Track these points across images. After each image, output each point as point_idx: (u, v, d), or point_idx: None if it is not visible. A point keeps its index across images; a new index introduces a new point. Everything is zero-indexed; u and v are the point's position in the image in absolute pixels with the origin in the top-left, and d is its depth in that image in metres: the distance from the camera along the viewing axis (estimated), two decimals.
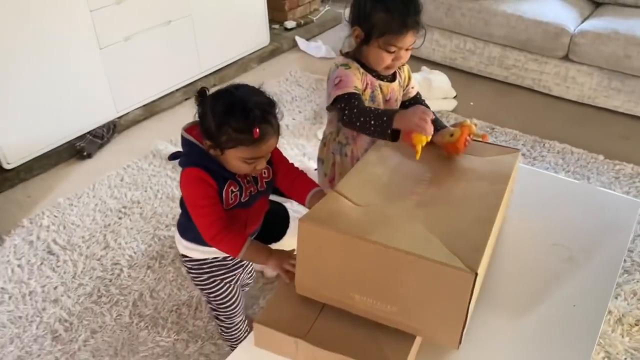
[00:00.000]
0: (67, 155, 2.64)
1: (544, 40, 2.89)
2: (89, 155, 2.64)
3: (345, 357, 1.01)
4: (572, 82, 2.92)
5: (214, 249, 1.28)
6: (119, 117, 2.83)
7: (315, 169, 1.86)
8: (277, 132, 1.20)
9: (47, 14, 2.37)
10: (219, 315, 1.54)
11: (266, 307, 1.13)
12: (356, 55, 1.47)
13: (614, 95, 2.82)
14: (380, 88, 1.49)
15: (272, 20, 3.63)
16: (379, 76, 1.49)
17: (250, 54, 3.47)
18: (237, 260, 1.44)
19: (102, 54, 2.63)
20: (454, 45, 3.26)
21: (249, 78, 3.36)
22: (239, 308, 1.54)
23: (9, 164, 2.45)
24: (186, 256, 1.42)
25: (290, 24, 3.79)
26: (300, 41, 3.70)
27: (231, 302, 1.51)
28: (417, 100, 1.62)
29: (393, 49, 1.40)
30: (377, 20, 1.37)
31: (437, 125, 1.39)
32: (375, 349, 1.02)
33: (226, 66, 3.33)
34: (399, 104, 1.58)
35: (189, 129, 1.25)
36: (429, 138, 1.27)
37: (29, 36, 2.34)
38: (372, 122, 1.33)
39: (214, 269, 1.43)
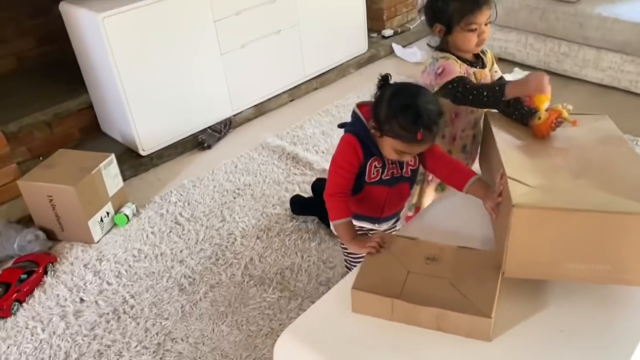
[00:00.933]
0: (190, 145, 3.06)
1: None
2: (209, 147, 3.04)
3: (439, 309, 1.16)
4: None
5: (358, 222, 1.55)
6: (234, 115, 3.21)
7: None
8: (434, 138, 1.38)
9: (180, 24, 2.79)
10: (350, 266, 1.73)
11: (358, 276, 1.28)
12: (445, 48, 1.67)
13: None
14: (475, 75, 1.67)
15: (370, 29, 3.90)
16: (471, 64, 1.67)
17: (349, 60, 3.75)
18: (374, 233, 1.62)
19: (223, 59, 3.03)
20: (548, 49, 3.33)
21: (347, 82, 3.64)
22: None
23: (144, 150, 2.90)
24: None
25: (387, 32, 4.04)
26: (397, 47, 3.93)
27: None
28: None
29: (474, 26, 1.59)
30: (453, 9, 1.58)
31: (527, 113, 1.57)
32: (464, 300, 1.16)
33: (327, 71, 3.64)
34: None
35: (361, 105, 1.49)
36: (549, 96, 1.46)
37: (165, 43, 2.77)
38: (485, 93, 1.53)
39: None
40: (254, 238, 2.35)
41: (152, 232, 2.45)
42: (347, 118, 2.54)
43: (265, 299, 2.05)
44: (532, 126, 1.52)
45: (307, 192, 2.56)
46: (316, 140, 2.99)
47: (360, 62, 3.80)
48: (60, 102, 2.97)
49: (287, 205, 2.50)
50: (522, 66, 3.44)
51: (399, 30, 4.09)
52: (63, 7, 2.77)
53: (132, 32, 2.64)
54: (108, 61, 2.62)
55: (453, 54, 1.66)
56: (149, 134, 2.87)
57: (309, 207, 2.40)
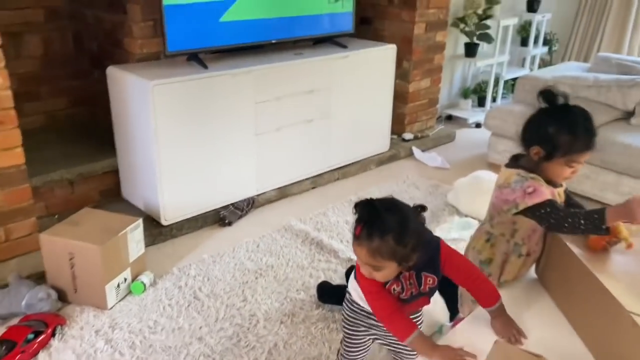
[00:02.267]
0: (211, 220, 3.00)
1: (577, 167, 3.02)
2: (230, 223, 2.99)
3: None
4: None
5: None
6: (257, 195, 3.20)
7: None
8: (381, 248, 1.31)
9: (224, 102, 2.86)
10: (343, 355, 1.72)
11: None
12: (532, 169, 1.61)
13: None
14: (559, 194, 1.64)
15: (392, 131, 4.01)
16: (554, 185, 1.64)
17: (371, 156, 3.83)
18: None
19: (257, 139, 3.07)
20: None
21: (368, 178, 3.69)
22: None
23: (166, 220, 2.83)
24: (350, 294, 1.62)
25: (408, 135, 4.17)
26: (416, 151, 4.04)
27: (356, 351, 1.69)
28: (573, 202, 1.75)
29: (574, 164, 1.57)
30: (562, 141, 1.53)
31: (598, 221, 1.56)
32: None
33: (349, 164, 3.70)
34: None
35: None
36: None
37: (206, 117, 2.81)
38: (583, 221, 1.47)
39: (362, 316, 1.62)
40: (278, 322, 2.24)
41: (169, 304, 2.33)
42: None
43: None
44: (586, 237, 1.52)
45: (332, 280, 2.48)
46: (340, 228, 2.96)
47: (381, 160, 3.88)
48: (86, 163, 2.94)
49: (313, 291, 2.42)
50: None
51: (419, 135, 4.22)
52: (111, 72, 2.83)
53: (178, 102, 2.69)
54: (149, 127, 2.63)
55: (537, 173, 1.61)
56: (173, 204, 2.83)
57: (337, 295, 2.31)
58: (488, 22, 4.53)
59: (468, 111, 4.89)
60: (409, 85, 4.09)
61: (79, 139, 3.19)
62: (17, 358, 1.93)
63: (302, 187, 3.43)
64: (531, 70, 5.09)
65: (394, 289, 1.44)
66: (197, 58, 2.87)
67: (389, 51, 3.66)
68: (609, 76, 3.57)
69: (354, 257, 2.54)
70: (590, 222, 1.45)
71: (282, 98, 3.12)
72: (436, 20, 4.05)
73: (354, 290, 1.61)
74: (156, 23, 2.92)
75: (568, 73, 3.77)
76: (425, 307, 1.64)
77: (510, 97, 5.23)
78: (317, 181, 3.50)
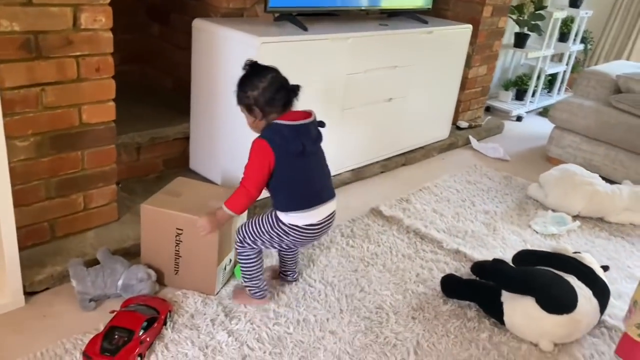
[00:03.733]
0: None
1: None
2: None
3: None
4: None
5: None
6: (335, 175, 2.94)
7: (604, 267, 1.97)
8: None
9: (320, 69, 2.57)
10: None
11: None
12: None
13: None
14: None
15: None
16: None
17: (433, 143, 3.63)
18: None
19: (342, 115, 2.80)
20: None
21: (434, 165, 3.49)
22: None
23: None
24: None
25: (463, 124, 3.99)
26: (474, 141, 3.87)
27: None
28: None
29: None
30: None
31: None
32: None
33: (414, 150, 3.48)
34: None
35: (297, 117, 1.74)
36: None
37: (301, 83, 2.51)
38: None
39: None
40: (410, 318, 2.01)
41: (281, 291, 2.05)
42: (450, 198, 3.00)
43: None
44: None
45: (444, 272, 2.26)
46: (430, 217, 2.75)
47: (442, 148, 3.69)
48: (159, 127, 2.59)
49: (430, 284, 2.20)
50: (608, 181, 3.42)
51: (472, 124, 4.05)
52: (199, 24, 2.49)
53: (280, 64, 2.38)
54: None
55: None
56: None
57: (467, 290, 2.11)
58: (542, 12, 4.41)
59: (508, 103, 4.77)
60: (470, 70, 3.90)
61: (140, 100, 2.83)
62: (136, 351, 1.61)
63: (372, 171, 3.19)
64: (567, 66, 5.04)
65: None
66: (294, 18, 2.57)
67: (466, 32, 3.47)
68: None
69: (463, 250, 2.37)
70: None
71: (370, 71, 2.86)
72: (502, 4, 3.88)
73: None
74: None
75: (636, 70, 3.68)
76: None
77: (544, 92, 5.15)
78: (386, 165, 3.27)
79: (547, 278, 1.96)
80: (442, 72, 3.43)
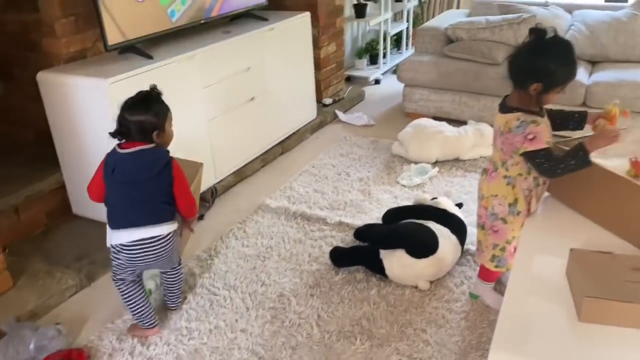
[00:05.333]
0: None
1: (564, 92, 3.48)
2: (202, 217, 2.87)
3: None
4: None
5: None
6: (217, 183, 3.10)
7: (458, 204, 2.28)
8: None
9: (175, 91, 2.69)
10: (179, 263, 2.15)
11: (579, 287, 1.34)
12: (522, 106, 1.75)
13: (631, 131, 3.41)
14: (546, 123, 1.81)
15: None
16: (542, 114, 1.79)
17: (304, 125, 3.88)
18: None
19: (209, 125, 2.96)
20: (482, 105, 3.82)
21: (310, 146, 3.75)
22: None
23: None
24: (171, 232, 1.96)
25: (327, 100, 4.28)
26: (340, 113, 4.17)
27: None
28: (553, 112, 1.91)
29: (562, 90, 1.75)
30: (560, 74, 1.69)
31: (580, 119, 1.85)
32: None
33: (288, 137, 3.72)
34: None
35: (131, 145, 1.89)
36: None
37: None
38: (572, 162, 1.66)
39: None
40: (309, 296, 2.26)
41: (190, 308, 2.22)
42: (328, 175, 3.18)
43: (356, 350, 1.98)
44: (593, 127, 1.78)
45: (333, 245, 2.54)
46: (314, 197, 3.01)
47: (313, 128, 3.95)
48: (31, 184, 2.61)
49: (322, 260, 2.47)
50: (460, 122, 3.86)
51: (336, 99, 4.35)
52: (43, 77, 2.51)
53: None
54: (108, 129, 2.40)
55: (531, 111, 1.75)
56: None
57: (352, 257, 2.40)
58: None
59: (364, 70, 5.12)
60: (320, 51, 4.17)
61: (5, 161, 2.79)
62: None
63: (254, 167, 3.38)
64: (407, 22, 5.47)
65: None
66: (137, 49, 2.66)
67: (305, 19, 3.70)
68: (498, 17, 3.99)
69: (345, 220, 2.64)
70: (579, 159, 1.64)
71: (225, 79, 3.02)
72: None
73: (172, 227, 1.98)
74: (78, 18, 2.64)
75: (460, 19, 4.13)
76: None
77: (394, 51, 5.57)
78: (265, 158, 3.48)
79: (410, 229, 2.29)
80: (294, 60, 3.66)
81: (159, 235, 1.91)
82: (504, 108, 1.82)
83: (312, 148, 3.70)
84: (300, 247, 2.59)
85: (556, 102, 3.65)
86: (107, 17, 2.48)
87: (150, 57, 2.63)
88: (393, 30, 5.23)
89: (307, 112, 3.92)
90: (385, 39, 5.14)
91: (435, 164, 3.30)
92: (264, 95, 3.38)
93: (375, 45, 5.17)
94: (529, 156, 1.74)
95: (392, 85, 4.90)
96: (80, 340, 2.09)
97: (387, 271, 2.27)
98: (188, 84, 2.78)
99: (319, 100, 4.24)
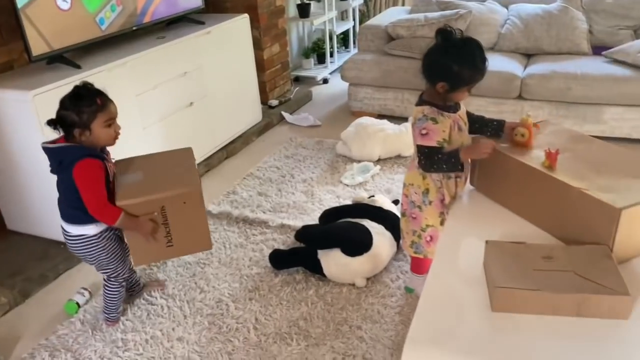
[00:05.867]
0: None
1: (499, 85, 3.58)
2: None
3: (582, 294, 1.28)
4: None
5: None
6: None
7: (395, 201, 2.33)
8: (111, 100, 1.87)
9: None
10: (111, 276, 2.07)
11: (492, 276, 1.38)
12: (433, 100, 1.83)
13: (563, 121, 3.53)
14: (460, 118, 1.90)
15: None
16: (454, 110, 1.87)
17: (250, 128, 3.88)
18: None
19: (145, 133, 2.92)
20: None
21: (255, 149, 3.74)
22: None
23: None
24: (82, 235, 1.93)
25: (273, 102, 4.28)
26: (287, 115, 4.18)
27: (122, 263, 2.06)
28: (474, 116, 1.99)
29: (470, 89, 1.81)
30: (465, 75, 1.74)
31: (498, 127, 1.89)
32: (597, 285, 1.30)
33: (233, 141, 3.70)
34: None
35: (57, 141, 1.86)
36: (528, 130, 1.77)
37: None
38: (444, 166, 1.79)
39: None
40: (247, 300, 2.26)
41: (126, 319, 2.19)
42: (272, 178, 3.17)
43: (292, 351, 1.99)
44: (510, 140, 1.81)
45: (273, 248, 2.55)
46: (257, 201, 3.01)
47: (259, 130, 3.95)
48: None
49: (263, 263, 2.47)
50: (402, 119, 3.92)
51: (282, 100, 4.36)
52: None
53: None
54: (35, 141, 2.35)
55: (439, 105, 1.82)
56: None
57: (291, 259, 2.41)
58: None
59: (312, 70, 5.14)
60: (263, 52, 4.17)
61: None
62: None
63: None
64: (354, 21, 5.51)
65: (108, 166, 1.91)
66: (64, 59, 2.61)
67: (243, 21, 3.69)
68: (436, 13, 4.06)
69: (287, 222, 2.65)
70: (451, 165, 1.79)
71: (160, 85, 2.99)
72: None
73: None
74: (2, 29, 2.58)
75: (401, 17, 4.18)
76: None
77: (342, 50, 5.61)
78: (209, 163, 3.46)
79: (344, 229, 2.32)
80: (235, 63, 3.65)
81: (69, 232, 1.95)
82: (418, 100, 1.89)
83: (258, 151, 3.70)
84: (241, 252, 2.58)
85: (493, 94, 3.77)
86: (30, 27, 2.43)
87: (78, 67, 2.58)
88: (339, 29, 5.27)
89: (252, 114, 3.91)
90: (331, 38, 5.17)
91: (378, 161, 3.34)
92: (204, 99, 3.36)
93: (321, 45, 5.19)
94: (418, 149, 1.84)
95: (339, 85, 4.90)
96: (12, 359, 2.04)
97: (325, 271, 2.29)
98: (120, 93, 2.72)
99: (264, 102, 4.23)
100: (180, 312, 2.22)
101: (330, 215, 2.53)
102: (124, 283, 2.13)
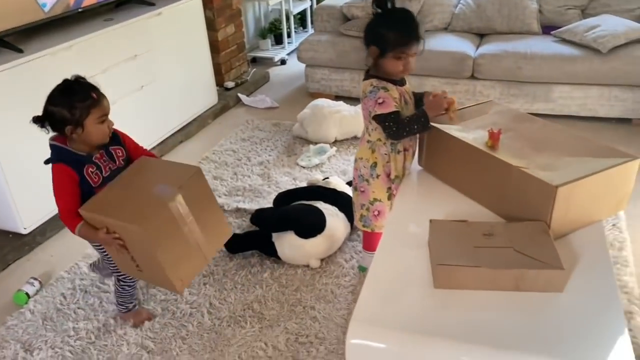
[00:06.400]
0: None
1: (452, 65, 3.63)
2: None
3: (520, 270, 1.33)
4: (480, 95, 3.68)
5: None
6: None
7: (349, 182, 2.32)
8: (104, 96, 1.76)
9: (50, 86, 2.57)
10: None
11: (434, 254, 1.42)
12: (379, 74, 1.87)
13: (514, 100, 3.61)
14: (406, 92, 1.95)
15: None
16: (400, 84, 1.92)
17: (205, 111, 3.83)
18: None
19: None
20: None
21: (211, 132, 3.70)
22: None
23: (25, 228, 2.54)
24: None
25: (229, 84, 4.23)
26: (243, 97, 4.14)
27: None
28: (414, 94, 2.02)
29: (403, 56, 1.83)
30: (390, 38, 1.80)
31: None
32: (534, 261, 1.35)
33: (188, 124, 3.65)
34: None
35: (55, 138, 1.75)
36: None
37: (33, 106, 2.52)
38: (416, 126, 1.81)
39: None
40: (201, 284, 2.27)
41: (78, 307, 2.17)
42: (228, 161, 3.04)
43: (246, 334, 2.01)
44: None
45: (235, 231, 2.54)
46: (212, 185, 2.98)
47: (215, 113, 3.90)
48: None
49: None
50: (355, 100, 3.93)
51: (239, 82, 4.31)
52: None
53: (1, 95, 2.36)
54: None
55: (384, 78, 1.87)
56: (29, 209, 2.53)
57: (246, 243, 2.41)
58: None
59: (269, 50, 5.09)
60: (217, 33, 4.10)
61: None
62: None
63: None
64: (311, 1, 5.47)
65: (90, 171, 1.75)
66: (4, 42, 2.51)
67: (195, 2, 3.62)
68: None
69: (242, 206, 2.65)
70: (421, 124, 1.81)
71: (109, 69, 2.92)
72: None
73: None
74: None
75: None
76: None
77: (300, 30, 5.57)
78: (163, 148, 3.41)
79: (297, 211, 2.33)
80: (187, 45, 3.58)
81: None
82: (365, 76, 1.93)
83: (214, 134, 3.66)
84: None
85: (446, 74, 3.80)
86: None
87: (20, 51, 2.49)
88: (295, 9, 5.22)
89: (207, 97, 3.86)
90: (288, 19, 5.12)
91: (334, 143, 3.36)
92: (156, 83, 3.30)
93: (278, 25, 5.14)
94: (380, 119, 1.86)
95: (297, 66, 4.86)
96: None
97: (280, 253, 2.31)
98: (66, 77, 2.66)
99: (220, 84, 4.18)
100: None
101: (284, 198, 2.54)
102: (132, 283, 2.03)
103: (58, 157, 1.74)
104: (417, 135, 1.95)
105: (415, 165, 2.06)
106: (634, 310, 2.02)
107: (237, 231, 2.55)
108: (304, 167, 3.12)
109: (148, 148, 3.25)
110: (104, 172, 1.79)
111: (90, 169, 1.76)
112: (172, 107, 3.46)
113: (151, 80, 3.26)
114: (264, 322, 2.05)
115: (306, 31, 5.57)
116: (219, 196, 2.88)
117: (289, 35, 5.19)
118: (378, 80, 1.86)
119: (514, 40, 3.71)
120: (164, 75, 3.36)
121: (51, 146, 1.76)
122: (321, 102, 3.47)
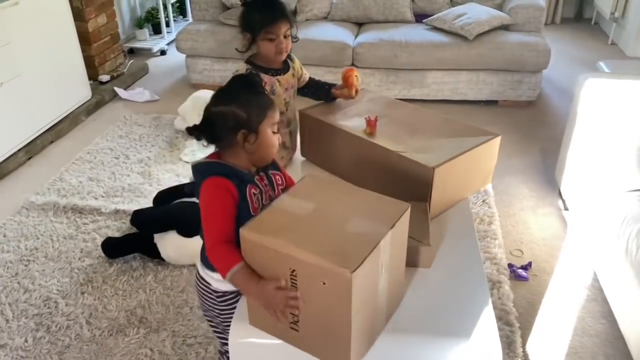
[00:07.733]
0: None
1: (333, 55, 3.69)
2: None
3: None
4: (361, 82, 3.76)
5: None
6: None
7: None
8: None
9: None
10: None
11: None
12: (257, 61, 1.85)
13: (393, 87, 3.75)
14: (279, 82, 1.91)
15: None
16: (276, 73, 1.90)
17: (78, 107, 3.58)
18: None
19: None
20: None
21: (86, 130, 3.47)
22: None
23: None
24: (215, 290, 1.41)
25: (104, 77, 3.99)
26: (120, 91, 3.93)
27: None
28: (313, 82, 2.06)
29: (273, 36, 1.79)
30: (254, 20, 1.79)
31: (327, 87, 1.99)
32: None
33: (59, 122, 3.40)
34: (295, 89, 2.04)
35: (210, 156, 1.36)
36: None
37: None
38: None
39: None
40: (79, 294, 2.13)
41: None
42: (104, 160, 3.00)
43: (130, 341, 1.92)
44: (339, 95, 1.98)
45: (114, 234, 2.42)
46: (87, 187, 2.81)
47: (89, 109, 3.67)
48: None
49: (96, 253, 2.33)
50: None
51: (115, 75, 4.08)
52: None
53: None
54: None
55: (258, 65, 1.86)
56: None
57: (126, 246, 2.30)
58: None
59: (148, 41, 4.86)
60: (87, 24, 3.84)
61: None
62: None
63: (17, 162, 3.04)
64: None
65: (253, 193, 1.29)
66: None
67: None
68: None
69: (121, 207, 2.53)
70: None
71: None
72: None
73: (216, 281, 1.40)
74: None
75: None
76: None
77: (180, 19, 5.38)
78: (31, 150, 3.15)
79: (178, 209, 2.27)
80: (52, 37, 3.32)
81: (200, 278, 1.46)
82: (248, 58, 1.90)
83: (88, 132, 3.44)
84: (71, 244, 2.41)
85: (328, 63, 3.87)
86: None
87: None
88: None
89: (79, 92, 3.61)
90: (165, 7, 4.92)
91: None
92: (18, 79, 3.02)
93: (155, 14, 4.92)
94: None
95: (178, 56, 4.67)
96: None
97: (163, 255, 2.23)
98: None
99: (94, 77, 3.93)
100: (1, 317, 2.02)
101: (166, 196, 2.45)
102: None
103: (214, 170, 1.29)
104: (290, 128, 1.97)
105: (297, 156, 2.09)
106: (502, 280, 2.19)
107: (117, 234, 2.42)
108: (187, 162, 3.03)
109: (14, 150, 3.02)
110: (264, 198, 1.32)
111: (253, 190, 1.28)
112: (39, 104, 3.20)
113: (12, 77, 2.98)
114: (149, 328, 1.98)
115: (187, 20, 5.38)
116: (95, 198, 2.72)
117: (167, 25, 4.98)
118: (245, 66, 1.84)
119: (390, 29, 3.84)
120: (27, 71, 3.08)
121: (198, 169, 1.33)
122: (203, 93, 3.38)
